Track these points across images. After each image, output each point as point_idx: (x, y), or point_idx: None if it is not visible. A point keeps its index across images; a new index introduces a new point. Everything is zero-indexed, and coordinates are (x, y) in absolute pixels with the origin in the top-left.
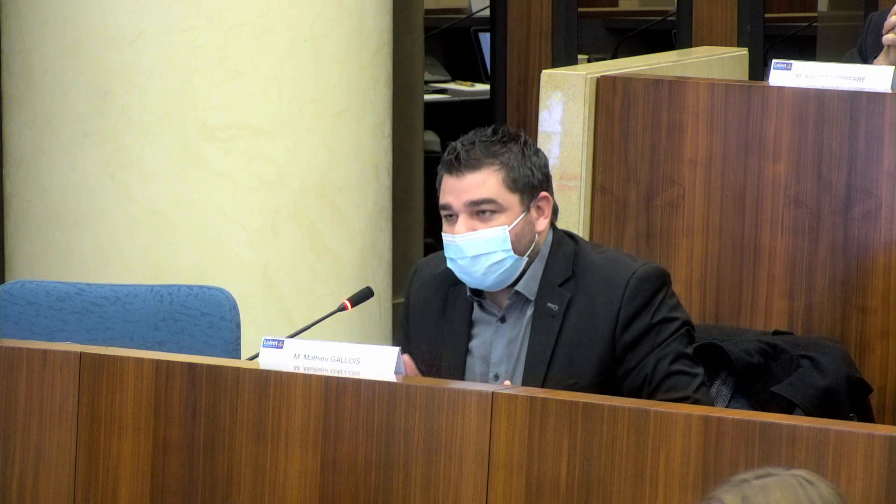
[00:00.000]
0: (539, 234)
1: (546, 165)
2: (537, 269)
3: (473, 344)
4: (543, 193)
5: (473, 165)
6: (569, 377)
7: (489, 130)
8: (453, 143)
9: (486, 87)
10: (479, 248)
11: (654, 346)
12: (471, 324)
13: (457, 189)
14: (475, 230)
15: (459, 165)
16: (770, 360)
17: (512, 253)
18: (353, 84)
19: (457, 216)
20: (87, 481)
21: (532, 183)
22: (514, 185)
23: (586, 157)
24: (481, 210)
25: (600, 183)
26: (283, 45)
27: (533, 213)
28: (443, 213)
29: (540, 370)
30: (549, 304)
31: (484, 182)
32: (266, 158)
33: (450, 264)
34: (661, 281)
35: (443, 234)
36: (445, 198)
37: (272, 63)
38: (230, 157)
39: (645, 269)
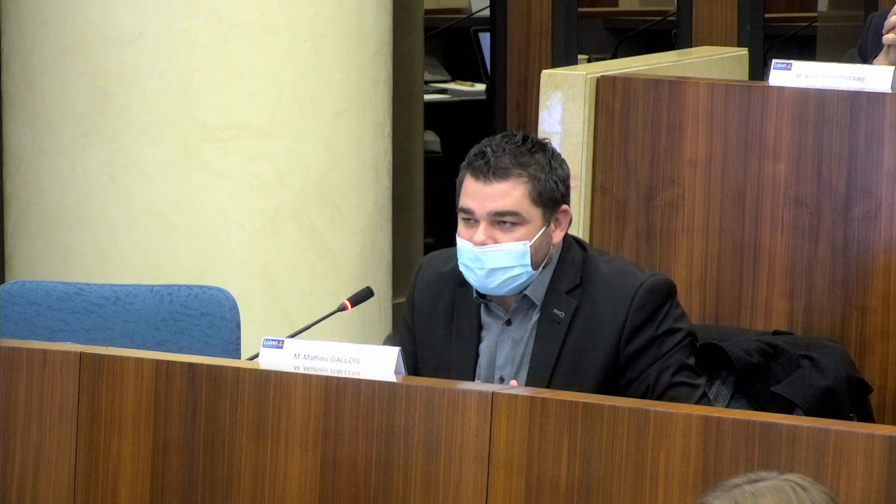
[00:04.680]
0: (553, 245)
1: (568, 177)
2: (546, 274)
3: (481, 346)
4: (564, 207)
5: (501, 174)
6: (572, 385)
7: (519, 137)
8: (481, 147)
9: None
10: (499, 262)
11: (657, 358)
12: (479, 326)
13: (481, 195)
14: (496, 241)
15: (487, 171)
16: (770, 360)
17: (529, 269)
18: (353, 84)
19: (477, 222)
20: (87, 481)
21: (555, 197)
22: (539, 198)
23: (586, 157)
24: (503, 221)
25: (600, 183)
26: (283, 45)
27: (552, 225)
28: (462, 215)
29: (544, 376)
30: (555, 311)
31: (510, 192)
32: (266, 158)
33: (462, 269)
34: (668, 293)
35: (457, 236)
36: (468, 202)
37: (272, 63)
38: (230, 157)
39: (652, 281)
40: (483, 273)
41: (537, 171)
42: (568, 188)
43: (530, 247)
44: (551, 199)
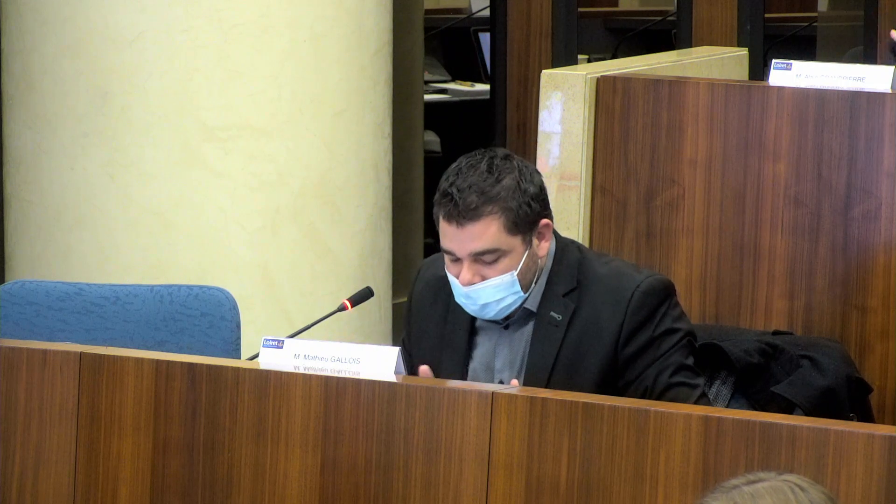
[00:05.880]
0: (542, 258)
1: (542, 187)
2: (541, 282)
3: (476, 352)
4: (543, 221)
5: (471, 216)
6: (570, 387)
7: (483, 165)
8: (447, 184)
9: (486, 87)
10: (489, 297)
11: (655, 359)
12: (473, 331)
13: (457, 238)
14: (483, 277)
15: (458, 215)
16: (770, 360)
17: (521, 293)
18: (353, 84)
19: (461, 260)
20: (87, 481)
21: (531, 218)
22: (515, 227)
23: (586, 157)
24: (484, 258)
25: (600, 183)
26: (283, 45)
27: (535, 242)
28: (446, 255)
29: (541, 379)
30: (552, 314)
31: (484, 232)
32: (266, 158)
33: (457, 300)
34: (666, 293)
35: (447, 270)
36: (447, 243)
37: (272, 63)
38: (230, 157)
39: (649, 282)
40: (476, 308)
41: (508, 200)
42: (544, 199)
43: (517, 274)
44: (527, 222)
